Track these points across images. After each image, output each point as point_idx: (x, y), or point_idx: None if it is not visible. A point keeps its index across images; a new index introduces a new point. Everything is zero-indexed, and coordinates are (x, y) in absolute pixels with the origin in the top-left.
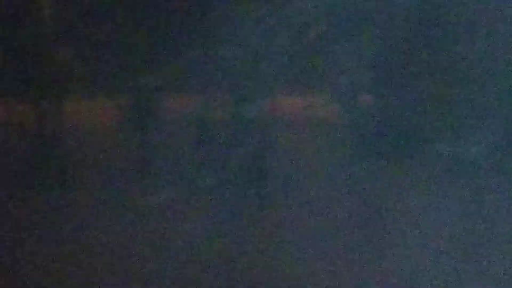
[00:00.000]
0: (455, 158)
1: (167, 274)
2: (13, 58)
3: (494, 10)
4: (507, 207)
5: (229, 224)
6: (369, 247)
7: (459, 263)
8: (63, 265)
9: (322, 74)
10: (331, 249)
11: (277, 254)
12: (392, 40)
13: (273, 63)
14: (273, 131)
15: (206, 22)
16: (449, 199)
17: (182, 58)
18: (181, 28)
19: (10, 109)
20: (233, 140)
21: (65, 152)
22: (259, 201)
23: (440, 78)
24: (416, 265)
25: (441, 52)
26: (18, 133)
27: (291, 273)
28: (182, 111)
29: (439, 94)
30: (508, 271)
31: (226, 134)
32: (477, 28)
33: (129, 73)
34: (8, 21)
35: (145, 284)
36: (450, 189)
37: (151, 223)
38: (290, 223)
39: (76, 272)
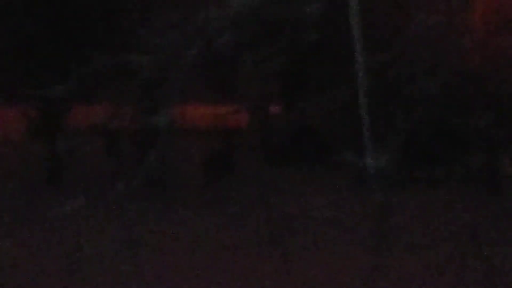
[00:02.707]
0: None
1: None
2: None
3: None
4: (405, 213)
5: (139, 230)
6: (274, 254)
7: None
8: None
9: (232, 84)
10: (237, 253)
11: (185, 258)
12: (302, 49)
13: (184, 72)
14: (183, 140)
15: (116, 30)
16: (355, 206)
17: (91, 67)
18: (89, 36)
19: None
20: (143, 149)
21: None
22: (167, 207)
23: (350, 87)
24: (320, 271)
25: (350, 62)
26: None
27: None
28: (92, 121)
29: (349, 103)
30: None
31: (135, 143)
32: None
33: (36, 82)
34: None
35: None
36: (356, 197)
37: (60, 232)
38: (201, 226)
39: None
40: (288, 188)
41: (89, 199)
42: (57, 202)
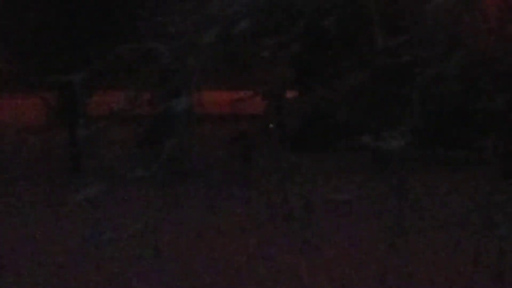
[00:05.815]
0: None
1: (95, 265)
2: None
3: None
4: (423, 191)
5: (158, 214)
6: (291, 235)
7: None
8: None
9: (249, 69)
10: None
11: (204, 241)
12: (318, 35)
13: (201, 58)
14: (200, 126)
15: (135, 17)
16: (375, 186)
17: (110, 54)
18: (109, 24)
19: None
20: (162, 133)
21: None
22: (185, 191)
23: (365, 71)
24: (337, 251)
25: (365, 47)
26: None
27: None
28: (112, 107)
29: (365, 87)
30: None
31: (155, 128)
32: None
33: (57, 69)
34: None
35: (72, 274)
36: (373, 179)
37: (81, 216)
38: (219, 209)
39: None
40: (305, 171)
41: (110, 184)
42: (78, 187)
